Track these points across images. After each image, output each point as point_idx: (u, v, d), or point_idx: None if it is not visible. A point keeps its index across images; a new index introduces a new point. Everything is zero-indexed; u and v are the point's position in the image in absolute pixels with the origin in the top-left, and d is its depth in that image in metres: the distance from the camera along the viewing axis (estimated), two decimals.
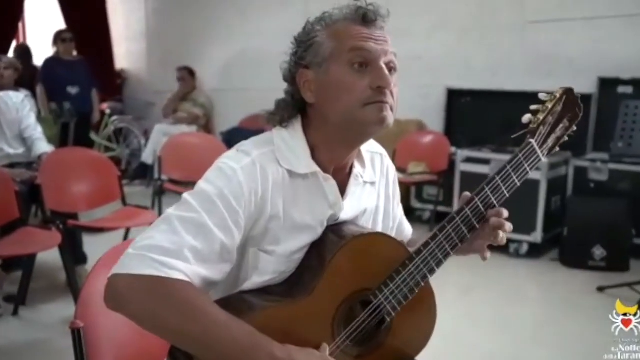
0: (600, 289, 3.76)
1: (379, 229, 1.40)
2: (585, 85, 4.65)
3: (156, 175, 4.86)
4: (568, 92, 1.31)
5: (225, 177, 1.16)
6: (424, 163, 5.17)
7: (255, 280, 1.24)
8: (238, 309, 1.14)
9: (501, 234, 1.27)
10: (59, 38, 6.05)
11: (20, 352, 3.03)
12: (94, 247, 3.60)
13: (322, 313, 1.21)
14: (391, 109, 1.20)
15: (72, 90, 6.07)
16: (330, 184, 1.26)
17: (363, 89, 1.17)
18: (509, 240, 4.43)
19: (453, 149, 5.06)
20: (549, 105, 1.30)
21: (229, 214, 1.14)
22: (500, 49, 5.29)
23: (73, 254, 3.52)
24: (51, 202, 3.51)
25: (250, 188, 1.16)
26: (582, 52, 4.86)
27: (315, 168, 1.24)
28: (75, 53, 6.21)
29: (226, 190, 1.15)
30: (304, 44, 1.23)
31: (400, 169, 5.20)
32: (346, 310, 1.23)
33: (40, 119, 4.89)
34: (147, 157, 6.72)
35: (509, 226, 1.27)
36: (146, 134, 7.25)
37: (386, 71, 1.19)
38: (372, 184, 1.37)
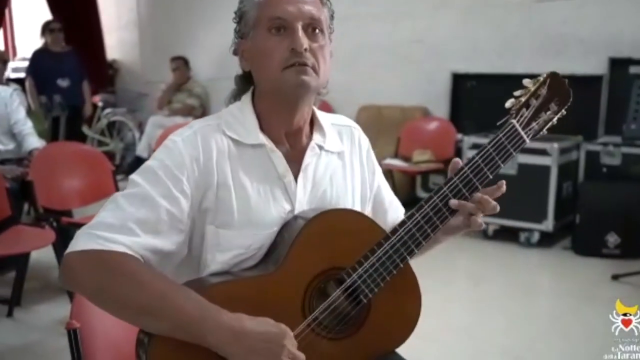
0: (615, 277, 3.71)
1: (357, 197, 1.38)
2: (596, 65, 4.58)
3: None
4: (552, 75, 1.31)
5: (166, 149, 1.22)
6: (429, 151, 5.09)
7: (219, 258, 1.23)
8: (199, 287, 1.15)
9: (479, 219, 1.27)
10: (47, 29, 5.99)
11: (15, 354, 2.99)
12: None
13: (290, 288, 1.19)
14: (314, 71, 1.22)
15: (62, 82, 5.99)
16: (277, 155, 1.27)
17: (281, 53, 1.21)
18: (519, 229, 4.45)
19: (459, 136, 4.98)
20: (531, 89, 1.30)
21: (172, 183, 1.17)
22: (507, 30, 5.17)
23: None
24: (43, 199, 3.49)
25: (191, 156, 1.20)
26: (592, 32, 4.75)
27: (262, 140, 1.26)
28: (64, 44, 6.10)
29: (167, 161, 1.19)
30: (238, 14, 1.29)
31: (404, 158, 5.13)
32: (319, 289, 1.22)
33: (29, 113, 4.81)
34: (141, 150, 6.64)
35: (492, 206, 1.27)
36: (140, 126, 7.18)
37: (300, 33, 1.20)
38: (340, 154, 1.37)
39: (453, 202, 1.24)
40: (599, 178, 4.38)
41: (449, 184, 1.25)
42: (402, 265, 1.23)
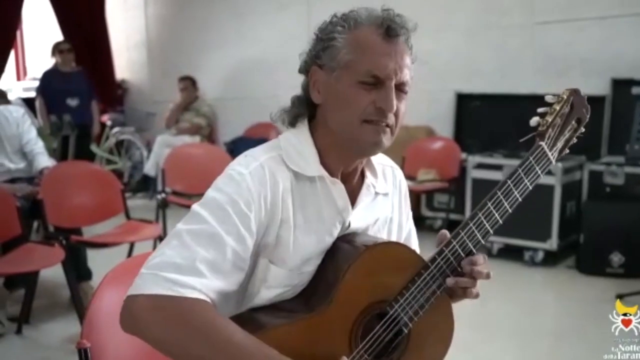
0: (620, 297, 3.66)
1: (393, 240, 1.38)
2: (599, 86, 4.60)
3: (159, 188, 4.79)
4: (575, 92, 1.30)
5: (234, 182, 1.16)
6: (434, 170, 5.11)
7: (264, 294, 1.22)
8: (250, 329, 1.12)
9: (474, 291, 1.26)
10: (57, 49, 6.02)
11: None
12: (98, 262, 3.58)
13: (338, 327, 1.18)
14: (391, 132, 1.20)
15: (72, 102, 6.02)
16: (339, 188, 1.24)
17: (365, 105, 1.17)
18: (524, 248, 4.47)
19: (464, 155, 5.00)
20: (557, 107, 1.28)
21: (240, 220, 1.13)
22: (510, 51, 5.23)
23: (77, 270, 3.49)
24: (53, 218, 3.50)
25: (259, 193, 1.16)
26: (594, 53, 4.80)
27: (323, 172, 1.23)
28: (74, 64, 6.15)
29: (235, 196, 1.14)
30: (323, 42, 1.21)
31: (409, 177, 5.12)
32: (363, 324, 1.20)
33: (39, 132, 4.83)
34: (149, 169, 6.68)
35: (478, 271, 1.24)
36: (148, 145, 7.20)
37: (392, 95, 1.17)
38: (385, 195, 1.36)
39: (449, 281, 1.21)
40: (602, 198, 4.39)
41: (483, 211, 1.23)
42: (439, 293, 1.22)
